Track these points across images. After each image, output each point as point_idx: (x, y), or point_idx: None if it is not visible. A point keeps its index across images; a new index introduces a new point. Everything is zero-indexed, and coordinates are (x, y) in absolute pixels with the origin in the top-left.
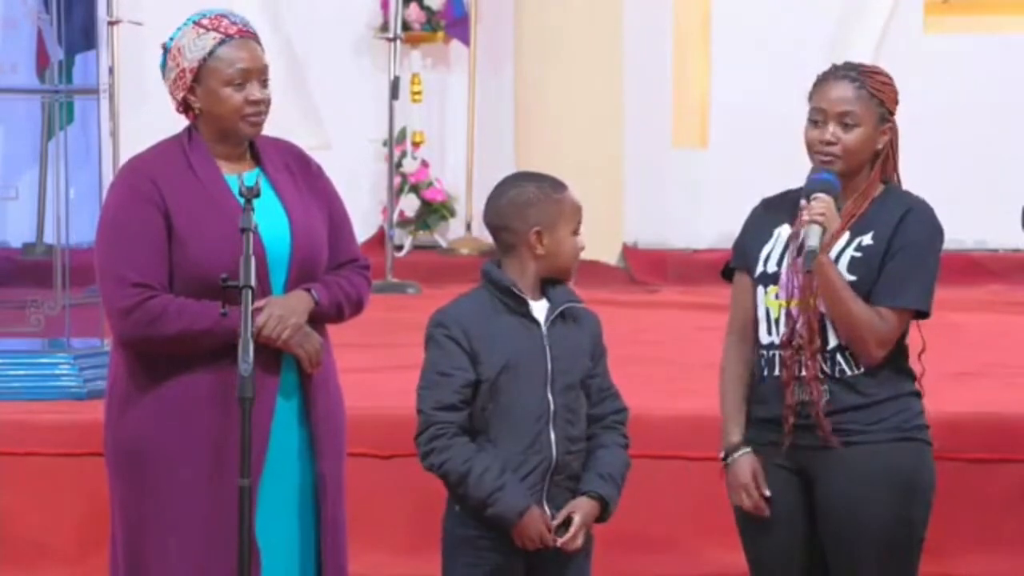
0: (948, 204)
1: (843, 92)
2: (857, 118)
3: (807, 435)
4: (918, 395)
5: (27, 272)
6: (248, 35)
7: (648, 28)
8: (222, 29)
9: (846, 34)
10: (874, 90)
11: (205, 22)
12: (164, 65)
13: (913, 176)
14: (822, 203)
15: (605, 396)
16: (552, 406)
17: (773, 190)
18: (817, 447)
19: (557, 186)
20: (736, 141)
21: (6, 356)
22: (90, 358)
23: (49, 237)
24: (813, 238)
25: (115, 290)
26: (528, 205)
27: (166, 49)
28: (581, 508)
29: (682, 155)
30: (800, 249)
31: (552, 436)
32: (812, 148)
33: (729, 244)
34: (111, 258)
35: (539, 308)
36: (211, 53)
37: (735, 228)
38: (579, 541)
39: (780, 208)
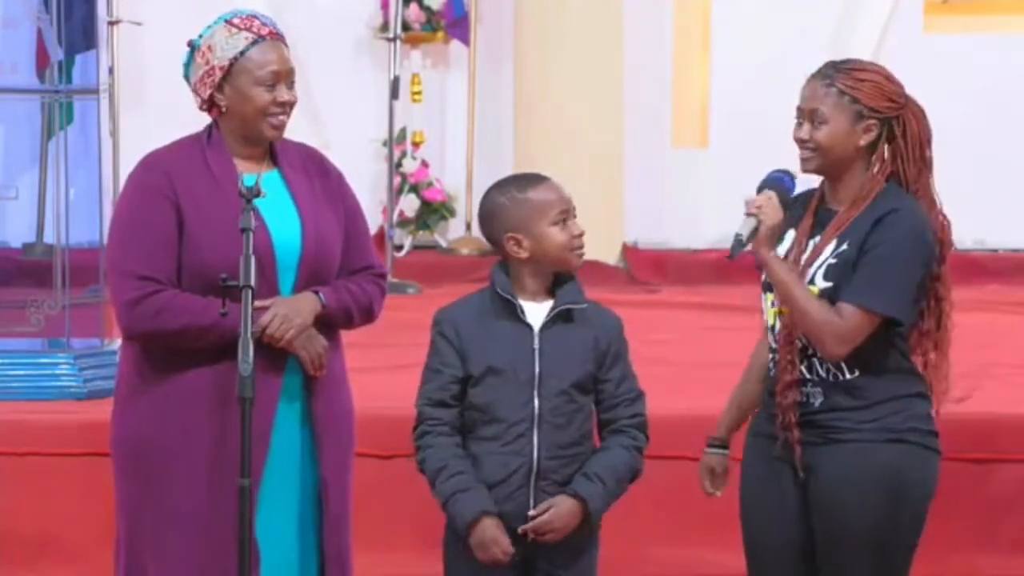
0: (948, 204)
1: (813, 90)
2: (824, 116)
3: (801, 431)
4: (923, 397)
5: (27, 272)
6: (278, 37)
7: (648, 28)
8: (254, 29)
9: (846, 34)
10: (845, 87)
11: (237, 21)
12: (189, 62)
13: None
14: (764, 197)
15: (619, 402)
16: (537, 409)
17: None
18: (808, 443)
19: (525, 185)
20: (736, 141)
21: (6, 356)
22: (90, 358)
23: (49, 237)
24: (743, 227)
25: (122, 283)
26: (495, 215)
27: (193, 47)
28: (557, 505)
29: (682, 155)
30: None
31: (535, 440)
32: (797, 146)
33: (728, 244)
34: (120, 252)
35: (539, 310)
36: (243, 53)
37: (735, 228)
38: (550, 537)
39: (792, 210)
